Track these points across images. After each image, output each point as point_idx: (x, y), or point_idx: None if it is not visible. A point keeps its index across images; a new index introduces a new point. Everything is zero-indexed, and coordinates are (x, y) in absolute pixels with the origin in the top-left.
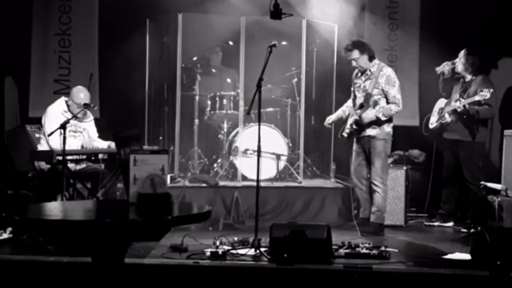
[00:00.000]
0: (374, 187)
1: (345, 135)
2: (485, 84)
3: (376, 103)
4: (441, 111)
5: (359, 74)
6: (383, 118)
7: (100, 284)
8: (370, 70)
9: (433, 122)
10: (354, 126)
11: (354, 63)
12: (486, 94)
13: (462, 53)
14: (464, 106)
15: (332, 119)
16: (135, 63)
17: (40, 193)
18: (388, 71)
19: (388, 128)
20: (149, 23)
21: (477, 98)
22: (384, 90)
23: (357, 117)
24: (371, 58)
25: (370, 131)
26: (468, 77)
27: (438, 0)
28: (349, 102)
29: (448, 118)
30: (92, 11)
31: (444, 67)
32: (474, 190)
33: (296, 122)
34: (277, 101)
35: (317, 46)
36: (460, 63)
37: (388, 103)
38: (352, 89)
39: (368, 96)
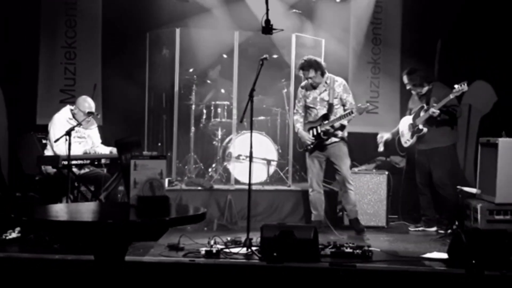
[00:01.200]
0: (348, 185)
1: (311, 146)
2: (444, 88)
3: (336, 112)
4: (413, 127)
5: (310, 88)
6: (347, 124)
7: (102, 280)
8: (326, 83)
9: (408, 140)
10: (323, 136)
11: (310, 81)
12: (459, 88)
13: (404, 76)
14: (439, 109)
15: (310, 142)
16: (135, 74)
17: (47, 195)
18: (342, 80)
19: (346, 133)
20: (149, 37)
21: (451, 96)
22: (342, 98)
23: (327, 127)
24: (323, 73)
25: (335, 138)
26: (424, 90)
27: (417, 18)
28: (299, 118)
29: (424, 129)
30: (96, 26)
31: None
32: (443, 194)
33: (286, 129)
34: (268, 110)
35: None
36: (408, 85)
37: (345, 109)
38: (300, 104)
39: (331, 106)
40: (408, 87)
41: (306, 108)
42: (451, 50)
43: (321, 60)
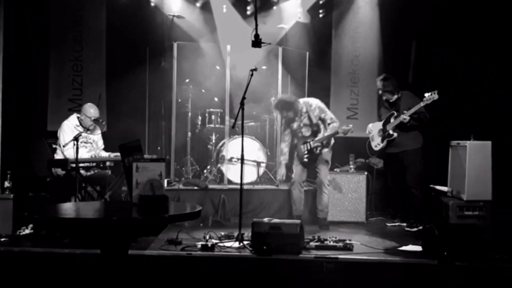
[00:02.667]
0: (324, 189)
1: (306, 160)
2: (413, 97)
3: (318, 131)
4: (383, 132)
5: (293, 122)
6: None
7: (108, 272)
8: (301, 112)
9: (378, 143)
10: (316, 151)
11: (285, 118)
12: (429, 97)
13: (378, 82)
14: (410, 116)
15: (284, 173)
16: (137, 85)
17: (57, 195)
18: (314, 101)
19: (332, 140)
20: (149, 50)
21: (422, 104)
22: (321, 117)
23: (318, 143)
24: (296, 111)
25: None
26: (394, 97)
27: (395, 28)
28: (285, 148)
29: (395, 134)
30: (101, 40)
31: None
32: (415, 194)
33: (274, 134)
34: (257, 117)
35: (291, 70)
36: (380, 90)
37: (328, 124)
38: (286, 132)
39: (316, 125)
40: (380, 92)
41: (293, 133)
42: (425, 56)
43: (291, 97)
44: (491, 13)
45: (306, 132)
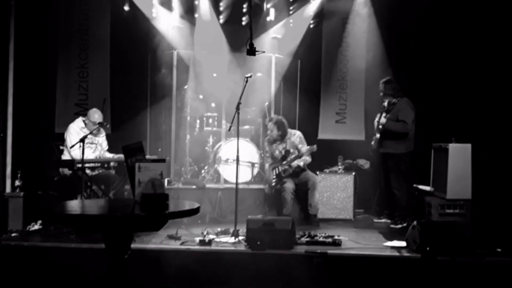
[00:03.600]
0: (316, 187)
1: (274, 184)
2: (404, 108)
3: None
4: (378, 124)
5: (274, 142)
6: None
7: (112, 265)
8: (286, 137)
9: (373, 144)
10: (283, 174)
11: (274, 136)
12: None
13: (380, 84)
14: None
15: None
16: (139, 90)
17: (64, 193)
18: (298, 132)
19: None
20: (150, 58)
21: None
22: (297, 147)
23: (286, 167)
24: (284, 134)
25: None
26: (392, 101)
27: (382, 36)
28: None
29: (377, 135)
30: (105, 49)
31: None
32: (398, 195)
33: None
34: (252, 120)
35: (283, 78)
36: (381, 92)
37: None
38: (267, 155)
39: (287, 151)
40: (381, 94)
41: (270, 150)
42: (406, 65)
43: (287, 124)
44: (475, 25)
45: (279, 155)
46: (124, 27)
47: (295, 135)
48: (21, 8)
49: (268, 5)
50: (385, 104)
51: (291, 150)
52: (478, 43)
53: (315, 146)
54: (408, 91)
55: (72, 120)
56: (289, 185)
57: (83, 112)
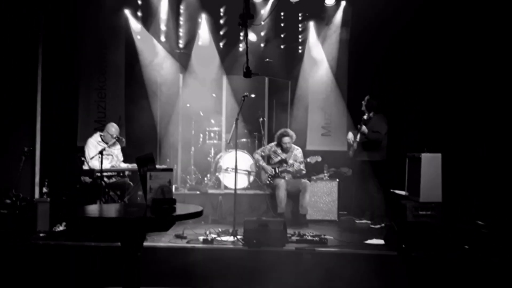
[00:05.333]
0: (307, 190)
1: (270, 178)
2: (378, 122)
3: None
4: (353, 143)
5: (280, 151)
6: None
7: (127, 261)
8: (290, 149)
9: (356, 140)
10: (281, 175)
11: (285, 146)
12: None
13: (366, 98)
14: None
15: (272, 173)
16: (149, 108)
17: (85, 198)
18: (299, 149)
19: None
20: (158, 81)
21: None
22: (296, 159)
23: (283, 169)
24: (290, 144)
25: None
26: (371, 114)
27: (366, 51)
28: (260, 158)
29: (355, 145)
30: (120, 72)
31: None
32: (376, 198)
33: None
34: (248, 134)
35: (275, 96)
36: (363, 106)
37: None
38: (263, 154)
39: (283, 161)
40: (362, 108)
41: (268, 157)
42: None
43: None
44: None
45: (275, 158)
46: (136, 54)
47: (298, 150)
48: (48, 38)
49: (262, 33)
50: (365, 117)
51: (290, 162)
52: (442, 63)
53: (320, 158)
54: (383, 107)
55: (92, 135)
56: (283, 183)
57: (102, 128)
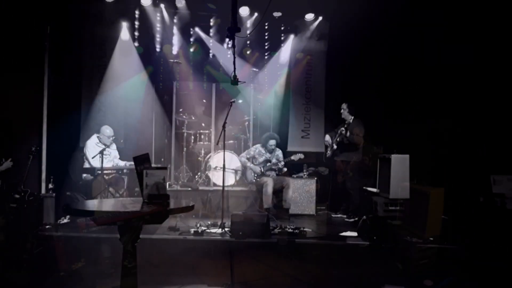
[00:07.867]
0: (290, 186)
1: (254, 180)
2: (357, 125)
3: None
4: (338, 135)
5: (262, 150)
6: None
7: (125, 251)
8: (274, 151)
9: (334, 142)
10: (266, 173)
11: (271, 147)
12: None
13: (344, 105)
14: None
15: (260, 171)
16: (145, 112)
17: (87, 194)
18: (280, 150)
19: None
20: (155, 87)
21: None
22: (279, 160)
23: (267, 168)
24: (275, 147)
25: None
26: (349, 119)
27: (341, 61)
28: (247, 160)
29: (335, 146)
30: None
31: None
32: (352, 195)
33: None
34: (235, 136)
35: (260, 102)
36: (343, 109)
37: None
38: (248, 156)
39: (267, 161)
40: (342, 116)
41: (255, 154)
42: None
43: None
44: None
45: (260, 158)
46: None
47: (279, 151)
48: (53, 47)
49: (248, 53)
50: (347, 122)
51: (273, 161)
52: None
53: (302, 155)
54: (359, 113)
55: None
56: (270, 181)
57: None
